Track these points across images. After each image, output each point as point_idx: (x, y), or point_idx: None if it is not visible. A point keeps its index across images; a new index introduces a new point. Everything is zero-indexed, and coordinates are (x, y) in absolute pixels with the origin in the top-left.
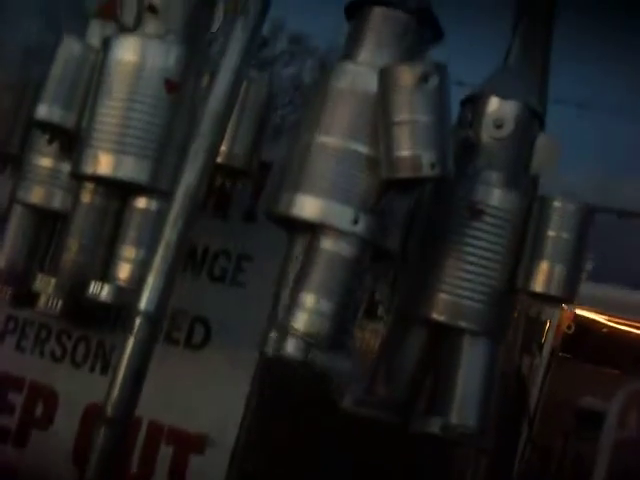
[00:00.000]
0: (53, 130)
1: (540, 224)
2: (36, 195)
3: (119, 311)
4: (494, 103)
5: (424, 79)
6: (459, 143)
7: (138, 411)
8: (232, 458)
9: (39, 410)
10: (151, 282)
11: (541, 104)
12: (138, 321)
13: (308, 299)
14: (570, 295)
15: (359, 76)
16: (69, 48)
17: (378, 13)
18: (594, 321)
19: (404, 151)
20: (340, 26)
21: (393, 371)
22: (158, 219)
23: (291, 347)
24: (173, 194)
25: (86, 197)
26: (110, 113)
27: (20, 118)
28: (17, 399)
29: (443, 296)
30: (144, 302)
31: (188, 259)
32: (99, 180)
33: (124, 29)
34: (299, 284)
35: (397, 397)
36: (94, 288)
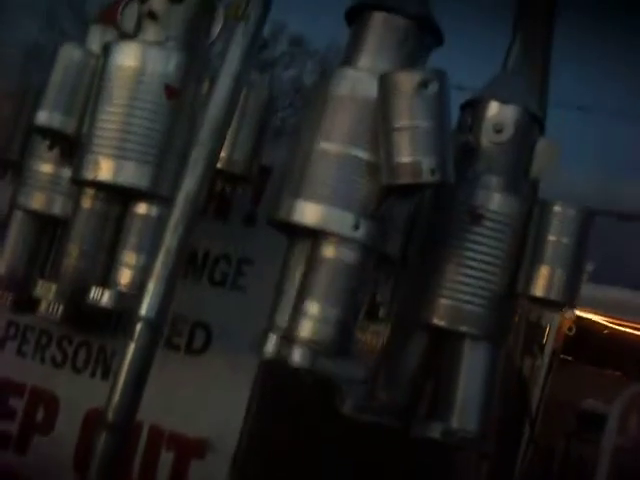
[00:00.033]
0: (53, 136)
1: (540, 228)
2: (36, 201)
3: (120, 316)
4: (494, 107)
5: (424, 85)
6: (459, 148)
7: (139, 416)
8: (233, 463)
9: (40, 415)
10: (152, 288)
11: (541, 108)
12: (139, 327)
13: (312, 307)
14: (570, 300)
15: (359, 82)
16: (69, 54)
17: (378, 18)
18: (595, 323)
19: (404, 157)
20: (340, 28)
21: (394, 376)
22: (159, 225)
23: (297, 356)
24: (173, 200)
25: (87, 203)
26: (110, 119)
27: (20, 124)
28: (18, 404)
29: (443, 301)
30: (145, 308)
31: (189, 264)
32: (100, 186)
33: (124, 35)
34: (302, 292)
35: (398, 402)
36: (95, 294)
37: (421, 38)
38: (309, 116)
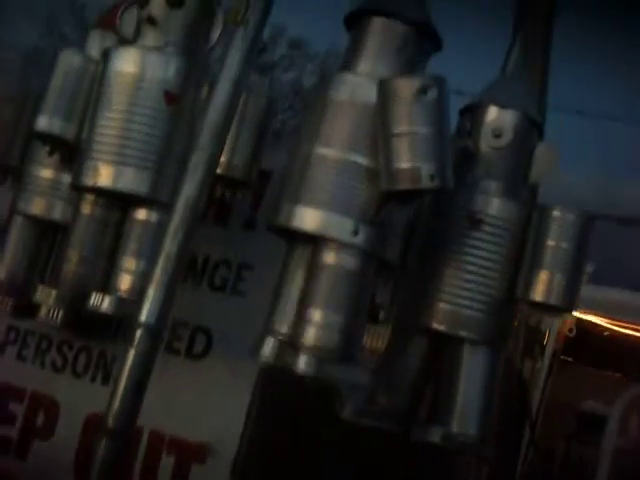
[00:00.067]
0: (53, 142)
1: (539, 233)
2: (36, 206)
3: (120, 321)
4: (493, 112)
5: (423, 91)
6: (458, 152)
7: (139, 421)
8: (233, 467)
9: (40, 420)
10: (151, 294)
11: (540, 113)
12: (139, 333)
13: (315, 314)
14: (570, 304)
15: (358, 87)
16: (69, 59)
17: (378, 24)
18: (596, 324)
19: (403, 163)
20: (340, 31)
21: (393, 380)
22: (158, 230)
23: (302, 363)
24: (173, 206)
25: (86, 208)
26: (110, 125)
27: (20, 130)
28: (18, 409)
29: (443, 305)
30: (145, 314)
31: (188, 269)
32: (99, 192)
33: (123, 40)
34: (305, 299)
35: (398, 406)
36: (95, 299)
37: (420, 43)
38: (308, 121)
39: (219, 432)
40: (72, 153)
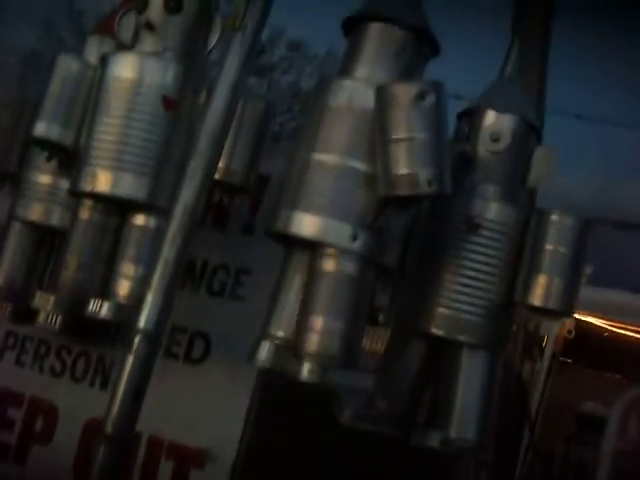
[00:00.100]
0: (51, 147)
1: (538, 237)
2: (35, 212)
3: (119, 326)
4: (491, 116)
5: (421, 97)
6: (456, 157)
7: (138, 426)
8: (232, 472)
9: (39, 425)
10: (150, 300)
11: (538, 116)
12: (137, 339)
13: (316, 320)
14: (568, 308)
15: (356, 92)
16: (67, 65)
17: (375, 29)
18: (595, 326)
19: (401, 169)
20: (339, 34)
21: (392, 385)
22: (157, 236)
23: (305, 371)
24: (171, 212)
25: (85, 214)
26: (108, 130)
27: (18, 135)
28: (17, 414)
29: (441, 310)
30: (143, 320)
31: (187, 274)
32: (97, 197)
33: (122, 46)
34: (305, 306)
35: (397, 410)
36: (93, 305)
37: (418, 48)
38: (306, 127)
39: (218, 437)
40: (70, 159)
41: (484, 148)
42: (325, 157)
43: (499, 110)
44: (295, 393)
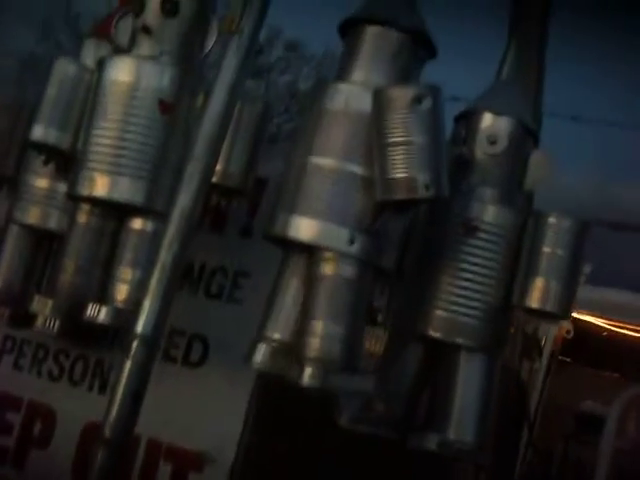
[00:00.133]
0: (49, 151)
1: (535, 240)
2: (32, 215)
3: (117, 330)
4: (488, 119)
5: (418, 101)
6: (453, 160)
7: (137, 429)
8: (231, 475)
9: (37, 429)
10: (147, 305)
11: (535, 118)
12: (135, 344)
13: (316, 325)
14: (566, 311)
15: (353, 96)
16: (64, 69)
17: (372, 32)
18: (594, 325)
19: (399, 173)
20: (337, 34)
21: (390, 387)
22: (154, 240)
23: (307, 376)
24: (168, 216)
25: (82, 218)
26: (105, 134)
27: (16, 139)
28: (15, 419)
29: (439, 312)
30: (140, 325)
31: (185, 276)
32: (95, 201)
33: (118, 49)
34: (305, 311)
35: (394, 413)
36: (92, 310)
37: (415, 51)
38: (303, 130)
39: (216, 440)
40: (67, 162)
41: (481, 151)
42: (322, 161)
43: (496, 113)
44: (293, 396)
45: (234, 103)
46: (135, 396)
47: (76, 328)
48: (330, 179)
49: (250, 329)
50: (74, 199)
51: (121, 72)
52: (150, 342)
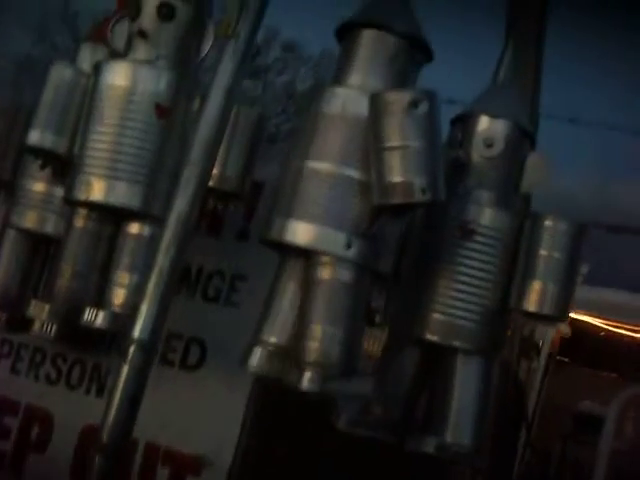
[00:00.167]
0: (45, 156)
1: (532, 243)
2: (29, 220)
3: (115, 334)
4: (484, 122)
5: (414, 105)
6: (450, 163)
7: (134, 433)
8: (229, 479)
9: (35, 433)
10: (144, 310)
11: (532, 121)
12: (132, 349)
13: (314, 330)
14: (563, 314)
15: (349, 100)
16: (60, 73)
17: (369, 36)
18: (591, 325)
19: (395, 177)
20: (333, 34)
21: (388, 390)
22: (151, 244)
23: (306, 381)
24: (165, 221)
25: (79, 222)
26: (102, 139)
27: (12, 143)
28: (13, 423)
29: (436, 316)
30: (137, 330)
31: (182, 280)
32: (92, 206)
33: (115, 54)
34: (303, 315)
35: (392, 416)
36: (89, 315)
37: (411, 55)
38: (300, 134)
39: (214, 443)
40: (64, 167)
41: (478, 154)
42: (319, 165)
43: (492, 115)
44: (291, 399)
45: (230, 107)
46: (132, 401)
47: (73, 332)
48: (327, 183)
49: (248, 332)
50: (71, 203)
51: (117, 76)
52: (147, 347)
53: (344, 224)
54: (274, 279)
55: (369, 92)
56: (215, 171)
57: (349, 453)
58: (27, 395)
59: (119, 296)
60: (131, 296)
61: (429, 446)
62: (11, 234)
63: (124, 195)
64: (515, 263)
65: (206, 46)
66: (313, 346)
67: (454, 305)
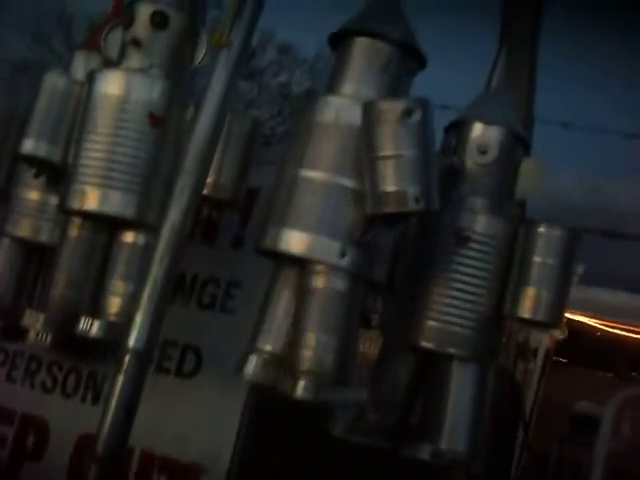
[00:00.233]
0: (39, 164)
1: (526, 250)
2: (23, 228)
3: (110, 342)
4: (478, 129)
5: (407, 114)
6: (443, 170)
7: (130, 441)
8: None
9: (30, 442)
10: (139, 319)
11: (527, 123)
12: (127, 359)
13: (309, 338)
14: (557, 320)
15: (343, 109)
16: (54, 82)
17: (362, 44)
18: (588, 325)
19: (389, 186)
20: (327, 41)
21: (383, 397)
22: (146, 253)
23: (300, 389)
24: (159, 230)
25: (73, 231)
26: (95, 147)
27: (6, 151)
28: (8, 431)
29: (431, 323)
30: (132, 340)
31: (177, 287)
32: (86, 215)
33: (108, 62)
34: (297, 324)
35: (387, 423)
36: (84, 324)
37: (405, 63)
38: (294, 142)
39: (210, 451)
40: (58, 175)
41: (472, 160)
42: (312, 174)
43: (486, 122)
44: (287, 406)
45: (224, 115)
46: (128, 411)
47: (69, 341)
48: (320, 192)
49: (243, 339)
50: (65, 212)
51: (111, 85)
52: (142, 356)
53: (338, 233)
54: (269, 287)
55: (362, 101)
56: (209, 179)
57: (344, 460)
58: (23, 403)
59: (114, 305)
60: (126, 305)
61: (424, 453)
62: (5, 243)
63: (118, 204)
64: (509, 270)
65: (199, 54)
66: (307, 354)
67: (449, 312)
